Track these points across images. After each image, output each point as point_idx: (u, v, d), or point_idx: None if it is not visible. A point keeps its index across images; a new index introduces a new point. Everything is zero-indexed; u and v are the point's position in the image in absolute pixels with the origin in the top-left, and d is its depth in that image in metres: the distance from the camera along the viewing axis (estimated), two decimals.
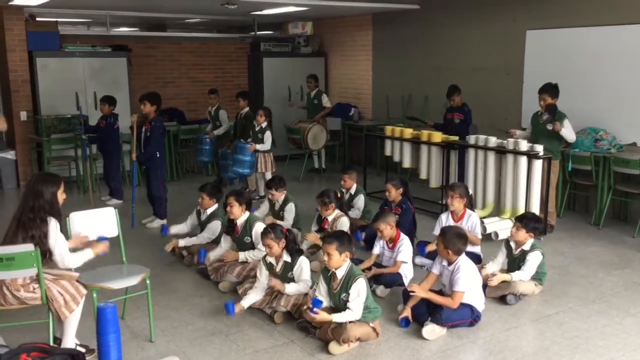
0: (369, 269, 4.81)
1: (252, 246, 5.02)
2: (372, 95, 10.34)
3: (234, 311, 4.21)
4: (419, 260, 5.31)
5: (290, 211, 5.92)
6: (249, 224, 5.04)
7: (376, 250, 5.00)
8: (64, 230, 3.69)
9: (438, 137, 6.92)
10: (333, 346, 3.80)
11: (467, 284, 4.08)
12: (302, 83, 10.47)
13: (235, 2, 7.46)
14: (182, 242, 5.51)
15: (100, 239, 3.88)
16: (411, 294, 4.12)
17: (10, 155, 8.59)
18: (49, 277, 3.49)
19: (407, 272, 4.83)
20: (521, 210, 5.94)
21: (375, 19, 10.01)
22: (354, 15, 10.27)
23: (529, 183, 6.00)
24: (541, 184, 6.02)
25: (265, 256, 4.43)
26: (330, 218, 5.53)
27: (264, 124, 7.70)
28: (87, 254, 3.70)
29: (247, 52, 11.43)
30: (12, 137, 8.76)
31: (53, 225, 3.47)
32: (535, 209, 6.00)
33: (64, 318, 3.49)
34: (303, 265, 4.34)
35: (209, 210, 5.59)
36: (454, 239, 4.13)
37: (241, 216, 5.07)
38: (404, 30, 9.48)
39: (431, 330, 4.01)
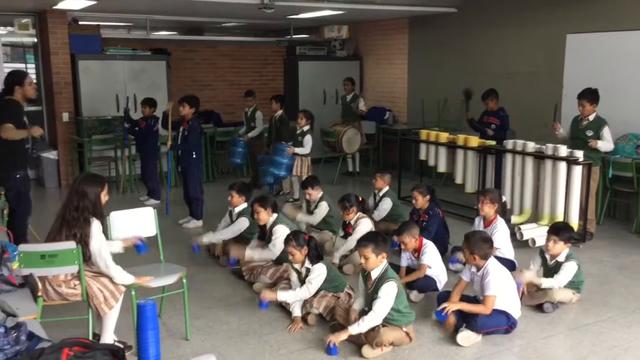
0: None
1: None
2: (408, 99, 10.29)
3: (267, 306, 4.33)
4: (454, 265, 5.26)
5: (320, 209, 5.94)
6: (276, 226, 5.07)
7: (403, 262, 4.98)
8: (105, 230, 3.77)
9: (474, 141, 6.85)
10: (366, 350, 3.80)
11: (498, 287, 4.02)
12: (337, 86, 10.49)
13: (273, 6, 7.52)
14: (205, 239, 5.54)
15: (140, 248, 3.95)
16: (444, 313, 4.04)
17: (52, 155, 8.83)
18: (89, 274, 3.58)
19: (440, 277, 4.79)
20: (559, 217, 5.83)
21: (412, 22, 9.97)
22: (390, 19, 10.25)
23: (568, 189, 5.89)
24: (581, 190, 5.90)
25: (291, 262, 4.47)
26: (352, 222, 5.52)
27: (306, 128, 7.72)
28: (129, 279, 3.67)
29: (282, 56, 11.51)
30: (54, 138, 9.01)
31: (95, 226, 3.54)
32: (574, 216, 5.89)
33: (103, 314, 3.57)
34: (316, 270, 4.33)
35: (238, 209, 5.63)
36: (479, 243, 4.09)
37: (269, 220, 5.11)
38: (440, 34, 9.42)
39: (466, 336, 3.97)
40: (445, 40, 9.32)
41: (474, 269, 4.16)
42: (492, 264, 4.10)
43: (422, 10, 8.94)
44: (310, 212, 6.06)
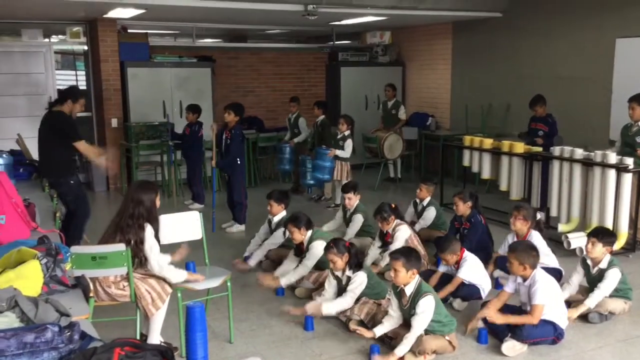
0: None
1: (319, 266, 5.02)
2: (451, 105, 10.19)
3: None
4: (499, 274, 5.17)
5: (356, 222, 5.93)
6: (312, 242, 5.04)
7: (441, 268, 4.93)
8: (157, 234, 3.86)
9: (520, 147, 6.73)
10: (409, 357, 3.78)
11: (546, 296, 3.94)
12: (379, 92, 10.48)
13: (316, 12, 7.58)
14: (252, 263, 5.54)
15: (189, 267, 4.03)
16: (489, 320, 4.00)
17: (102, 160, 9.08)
18: (137, 276, 3.68)
19: (484, 286, 4.72)
20: (608, 226, 5.67)
21: (456, 27, 9.87)
22: (433, 24, 10.19)
23: (617, 198, 5.72)
24: (630, 199, 5.73)
25: (331, 269, 4.47)
26: (390, 230, 5.47)
27: (346, 132, 7.76)
28: (182, 275, 3.80)
29: (324, 62, 11.57)
30: (103, 143, 9.27)
31: (149, 231, 3.65)
32: (624, 225, 5.72)
33: (150, 315, 3.66)
34: (357, 278, 4.32)
35: (277, 217, 5.66)
36: (528, 251, 4.03)
37: (304, 237, 5.07)
38: (485, 39, 9.30)
39: (511, 346, 3.91)
40: (490, 45, 9.20)
41: (519, 280, 4.09)
42: (539, 273, 4.03)
43: (467, 15, 8.85)
44: (346, 220, 6.05)
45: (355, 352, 3.98)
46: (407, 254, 3.94)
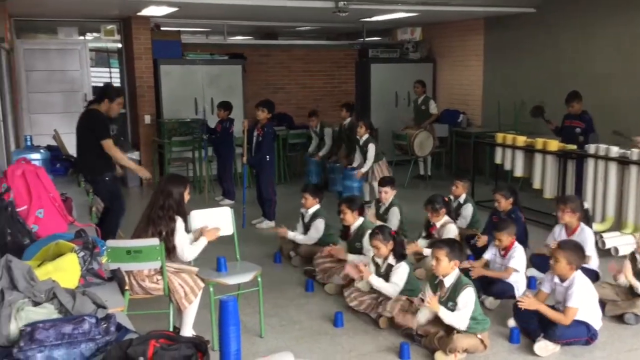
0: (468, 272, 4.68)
1: (362, 251, 5.06)
2: (482, 102, 10.07)
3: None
4: (532, 273, 5.09)
5: (394, 216, 5.90)
6: (361, 231, 5.08)
7: (487, 255, 4.88)
8: (186, 228, 3.93)
9: (554, 145, 6.62)
10: (439, 356, 3.76)
11: (582, 300, 3.88)
12: (409, 89, 10.41)
13: (347, 9, 7.56)
14: (290, 234, 5.64)
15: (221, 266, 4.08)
16: (521, 306, 3.96)
17: (134, 155, 9.23)
18: (170, 270, 3.74)
19: (519, 284, 4.64)
20: None
21: (488, 23, 9.75)
22: (465, 20, 10.08)
23: None
24: None
25: (373, 256, 4.47)
26: (438, 224, 5.45)
27: (365, 136, 7.60)
28: (202, 243, 3.95)
29: (354, 59, 11.54)
30: (136, 139, 9.43)
31: (179, 223, 3.75)
32: None
33: (183, 309, 3.72)
34: (400, 269, 4.33)
35: (311, 210, 5.68)
36: (578, 252, 3.97)
37: (355, 222, 5.13)
38: (518, 34, 9.16)
39: (544, 346, 3.85)
40: (523, 41, 9.06)
41: (557, 280, 4.02)
42: (579, 276, 3.95)
43: (499, 11, 8.74)
44: (379, 215, 6.03)
45: (385, 349, 3.98)
46: (451, 244, 3.96)
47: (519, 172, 7.12)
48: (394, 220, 5.90)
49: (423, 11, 8.42)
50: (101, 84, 5.77)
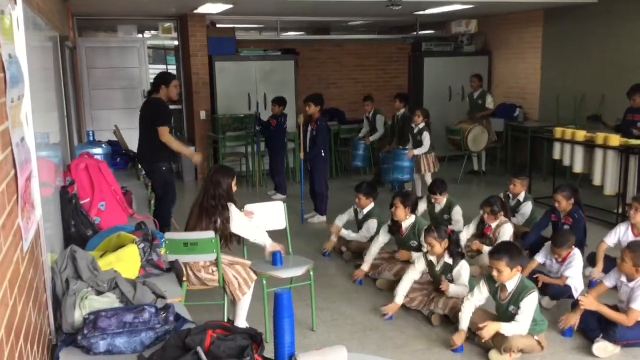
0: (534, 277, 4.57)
1: (418, 249, 4.99)
2: (540, 95, 9.79)
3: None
4: (590, 272, 4.94)
5: (458, 214, 5.81)
6: (417, 229, 5.01)
7: (540, 258, 4.74)
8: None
9: (616, 140, 6.38)
10: (494, 355, 3.70)
11: None
12: (463, 83, 10.24)
13: (400, 3, 7.49)
14: (344, 232, 5.65)
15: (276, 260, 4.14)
16: (581, 305, 3.86)
17: (190, 151, 9.44)
18: (225, 262, 3.82)
19: (577, 285, 4.49)
20: None
21: (547, 14, 9.46)
22: (523, 12, 9.81)
23: None
24: None
25: (426, 253, 4.42)
26: (493, 225, 5.32)
27: (422, 125, 7.64)
28: (265, 240, 4.01)
29: (407, 53, 11.42)
30: (192, 135, 9.64)
31: (234, 209, 3.84)
32: None
33: (237, 300, 3.80)
34: (463, 270, 4.27)
35: (366, 210, 5.66)
36: None
37: (405, 219, 5.06)
38: (579, 26, 8.85)
39: (603, 347, 3.74)
40: (585, 33, 8.74)
41: (623, 278, 3.88)
42: None
43: (560, 2, 8.47)
44: (436, 216, 5.95)
45: (438, 346, 3.94)
46: (510, 251, 3.77)
47: (578, 168, 6.90)
48: (458, 217, 5.78)
49: (480, 3, 8.25)
50: (157, 75, 5.87)
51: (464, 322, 3.86)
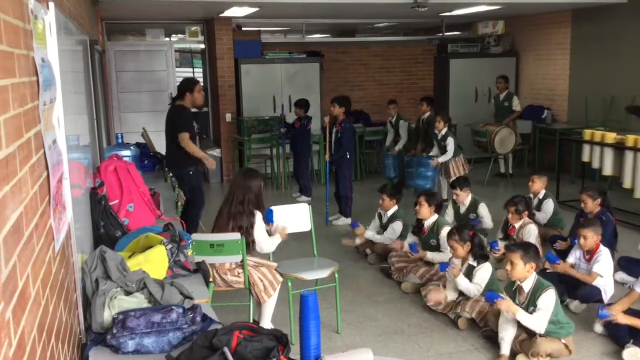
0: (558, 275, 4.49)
1: (437, 248, 4.99)
2: (569, 97, 9.63)
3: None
4: (620, 276, 4.85)
5: (483, 210, 5.78)
6: (436, 227, 5.02)
7: (571, 259, 4.66)
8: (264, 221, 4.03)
9: None
10: (521, 359, 3.65)
11: None
12: (489, 84, 10.14)
13: (426, 4, 7.45)
14: (369, 233, 5.64)
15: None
16: (612, 320, 3.78)
17: (216, 152, 9.49)
18: (250, 264, 3.85)
19: (607, 288, 4.41)
20: None
21: (575, 15, 9.32)
22: (551, 12, 9.68)
23: None
24: None
25: (451, 257, 4.40)
26: (517, 225, 5.28)
27: (444, 131, 7.53)
28: (277, 238, 4.04)
29: (433, 54, 11.35)
30: (218, 137, 9.72)
31: (259, 217, 3.84)
32: None
33: (262, 302, 3.81)
34: (482, 270, 4.23)
35: (390, 212, 5.64)
36: None
37: (429, 217, 5.07)
38: (608, 27, 8.70)
39: (633, 353, 3.66)
40: (614, 33, 8.59)
41: None
42: None
43: (588, 2, 8.33)
44: (460, 215, 5.90)
45: (465, 350, 3.91)
46: (525, 246, 3.82)
47: (607, 170, 6.78)
48: (484, 212, 5.77)
49: (507, 4, 8.16)
50: (181, 81, 5.94)
51: (504, 347, 3.76)
